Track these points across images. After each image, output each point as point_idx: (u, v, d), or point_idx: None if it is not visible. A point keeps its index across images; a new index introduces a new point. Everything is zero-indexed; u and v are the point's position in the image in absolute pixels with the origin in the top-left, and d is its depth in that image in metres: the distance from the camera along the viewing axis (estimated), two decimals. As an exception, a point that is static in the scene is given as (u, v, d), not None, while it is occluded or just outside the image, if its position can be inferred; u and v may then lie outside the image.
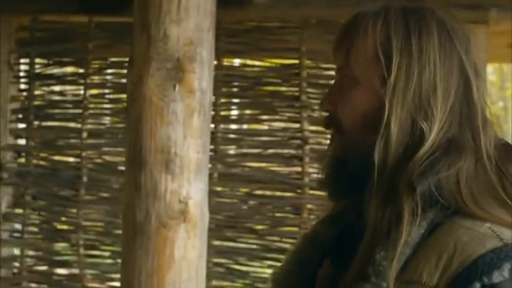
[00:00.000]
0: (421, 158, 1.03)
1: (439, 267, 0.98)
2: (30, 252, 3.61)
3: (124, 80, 3.30)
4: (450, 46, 1.08)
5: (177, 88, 2.04)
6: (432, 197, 1.02)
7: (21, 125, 3.55)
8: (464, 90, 1.09)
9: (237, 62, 3.51)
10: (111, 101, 3.50)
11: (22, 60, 3.55)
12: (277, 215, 3.30)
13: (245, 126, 3.75)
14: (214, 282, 3.36)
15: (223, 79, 3.27)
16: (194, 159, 2.15)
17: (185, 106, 2.07)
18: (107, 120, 3.50)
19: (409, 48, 1.06)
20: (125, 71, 3.27)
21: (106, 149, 3.47)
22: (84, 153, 3.46)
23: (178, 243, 2.18)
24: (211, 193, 3.25)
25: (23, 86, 3.56)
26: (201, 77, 2.08)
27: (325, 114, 1.16)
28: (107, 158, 3.47)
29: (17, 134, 3.56)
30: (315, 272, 1.20)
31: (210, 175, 3.23)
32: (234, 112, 3.44)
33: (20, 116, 3.54)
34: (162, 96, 2.04)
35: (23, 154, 3.56)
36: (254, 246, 3.33)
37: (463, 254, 0.97)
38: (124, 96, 3.17)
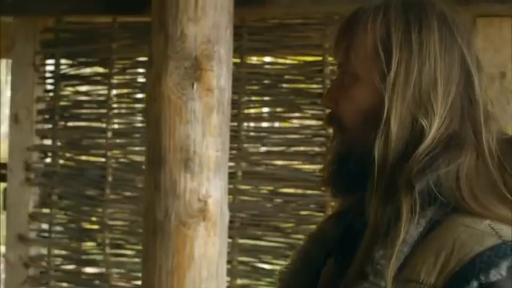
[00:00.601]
0: (421, 155, 1.02)
1: (437, 265, 0.97)
2: (58, 252, 3.65)
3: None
4: (451, 40, 1.07)
5: (195, 86, 2.06)
6: (431, 194, 1.01)
7: (47, 126, 3.59)
8: (466, 84, 1.07)
9: (260, 59, 3.50)
10: (136, 100, 3.52)
11: (47, 61, 3.59)
12: (302, 213, 3.29)
13: (269, 124, 3.74)
14: (239, 281, 3.36)
15: (246, 77, 3.27)
16: (213, 158, 2.17)
17: (204, 104, 2.09)
18: (131, 119, 3.52)
19: (409, 43, 1.05)
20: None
21: (131, 148, 3.49)
22: (109, 153, 3.48)
23: (198, 241, 2.20)
24: (236, 191, 3.26)
25: (48, 87, 3.59)
26: (220, 75, 2.10)
27: (327, 110, 1.16)
28: (132, 157, 3.49)
29: (43, 135, 3.60)
30: (320, 271, 1.19)
31: (234, 173, 3.24)
32: (258, 110, 3.42)
33: (46, 116, 3.58)
34: (181, 95, 2.07)
35: (50, 154, 3.60)
36: (279, 245, 3.32)
37: (461, 252, 0.96)
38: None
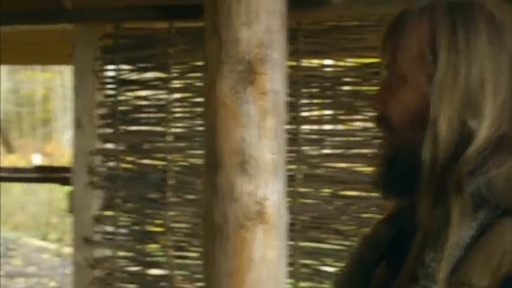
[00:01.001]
0: (470, 157, 1.01)
1: (489, 269, 0.95)
2: (122, 254, 3.71)
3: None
4: (499, 41, 1.04)
5: (249, 90, 2.08)
6: (482, 197, 0.99)
7: (109, 130, 3.65)
8: None
9: (319, 63, 3.49)
10: (195, 104, 3.53)
11: (107, 67, 3.65)
12: (363, 215, 3.26)
13: (326, 127, 3.72)
14: (302, 284, 3.36)
15: (303, 80, 3.27)
16: (270, 161, 2.18)
17: (258, 108, 2.10)
18: (191, 123, 3.55)
19: (455, 44, 1.04)
20: (205, 75, 3.31)
21: (191, 151, 3.52)
22: (169, 156, 3.53)
23: (256, 244, 2.20)
24: (296, 194, 3.26)
25: (109, 92, 3.65)
26: (273, 78, 2.10)
27: (377, 112, 1.15)
28: (192, 160, 3.52)
29: (105, 139, 3.66)
30: (373, 274, 1.19)
31: (294, 176, 3.24)
32: (315, 113, 3.41)
33: (108, 121, 3.64)
34: (235, 99, 2.08)
35: (112, 158, 3.66)
36: (340, 247, 3.30)
37: None
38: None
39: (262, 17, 2.02)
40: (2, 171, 4.63)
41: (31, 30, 3.75)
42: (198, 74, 3.51)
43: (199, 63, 3.47)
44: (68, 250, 8.50)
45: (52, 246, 9.57)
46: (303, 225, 3.30)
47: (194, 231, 3.51)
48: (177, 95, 3.57)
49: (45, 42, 4.26)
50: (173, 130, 3.54)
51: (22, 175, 4.51)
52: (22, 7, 3.54)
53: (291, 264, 3.19)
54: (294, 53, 3.12)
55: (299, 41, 3.21)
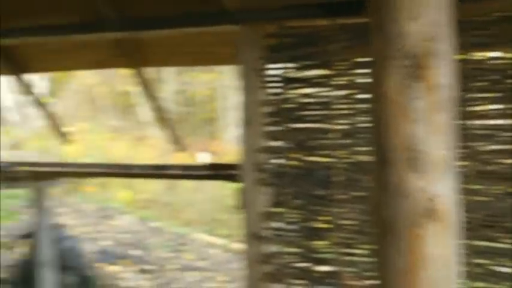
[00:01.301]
0: None
1: None
2: (290, 250, 3.76)
3: (368, 80, 3.31)
4: None
5: (417, 85, 2.04)
6: None
7: (276, 128, 3.71)
8: None
9: (484, 55, 3.37)
10: (357, 100, 3.52)
11: (272, 66, 3.70)
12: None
13: (497, 121, 3.57)
14: (477, 284, 3.25)
15: (471, 73, 3.16)
16: (440, 156, 2.13)
17: (427, 103, 2.06)
18: (354, 120, 3.53)
19: None
20: (368, 71, 3.28)
21: (355, 148, 3.51)
22: (335, 153, 3.53)
23: (429, 241, 2.17)
24: (468, 191, 3.15)
25: (274, 90, 3.71)
26: (441, 73, 2.06)
27: None
28: (358, 157, 3.51)
29: (272, 136, 3.73)
30: None
31: (464, 173, 3.14)
32: (485, 107, 3.28)
33: (274, 119, 3.70)
34: (403, 94, 2.05)
35: (279, 155, 3.71)
36: (516, 247, 3.16)
37: None
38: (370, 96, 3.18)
39: (428, 10, 1.98)
40: (174, 169, 4.81)
41: (198, 33, 3.90)
42: (360, 71, 3.49)
43: (362, 59, 3.46)
44: (235, 245, 8.74)
45: (220, 241, 9.84)
46: (476, 224, 3.19)
47: (362, 229, 3.50)
48: (340, 92, 3.57)
49: (209, 44, 4.40)
50: (338, 127, 3.54)
51: (194, 172, 4.67)
52: (187, 10, 3.69)
53: (465, 264, 3.10)
54: (462, 46, 3.03)
55: (467, 34, 3.11)
